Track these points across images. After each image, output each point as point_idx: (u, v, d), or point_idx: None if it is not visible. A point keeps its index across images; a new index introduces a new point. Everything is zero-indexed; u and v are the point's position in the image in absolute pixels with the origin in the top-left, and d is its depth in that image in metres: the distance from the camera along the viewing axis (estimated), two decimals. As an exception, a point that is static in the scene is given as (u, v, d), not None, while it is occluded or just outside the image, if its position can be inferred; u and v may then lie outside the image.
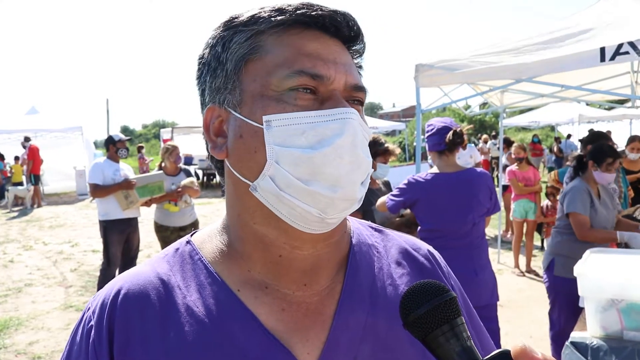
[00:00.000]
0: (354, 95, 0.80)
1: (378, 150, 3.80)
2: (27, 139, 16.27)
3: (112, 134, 6.29)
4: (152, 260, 0.87)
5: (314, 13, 0.77)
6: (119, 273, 6.20)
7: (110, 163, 6.04)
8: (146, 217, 11.81)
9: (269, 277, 0.81)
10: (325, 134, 0.73)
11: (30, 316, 6.08)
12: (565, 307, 3.87)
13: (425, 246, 0.99)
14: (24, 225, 12.53)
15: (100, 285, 6.09)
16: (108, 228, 6.02)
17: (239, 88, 0.78)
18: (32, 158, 15.98)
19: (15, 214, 14.47)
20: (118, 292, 0.80)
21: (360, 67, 0.87)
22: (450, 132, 3.40)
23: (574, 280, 3.47)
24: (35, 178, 15.97)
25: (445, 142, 3.40)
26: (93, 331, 0.78)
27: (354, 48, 0.85)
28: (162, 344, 0.76)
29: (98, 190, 5.87)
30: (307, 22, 0.77)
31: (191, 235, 0.91)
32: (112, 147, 6.10)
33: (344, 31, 0.80)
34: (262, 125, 0.75)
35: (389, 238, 0.97)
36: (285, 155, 0.73)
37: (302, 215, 0.75)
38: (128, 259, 6.29)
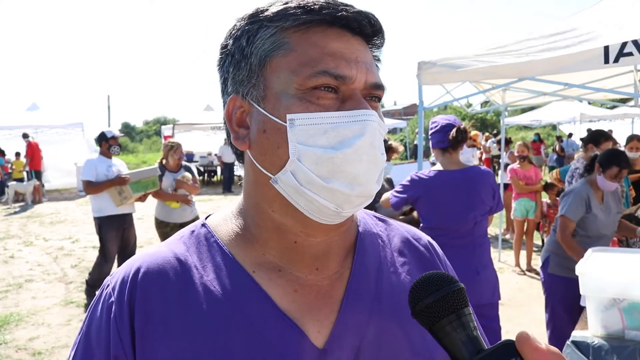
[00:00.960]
0: (373, 93, 0.82)
1: None
2: (25, 136, 16.26)
3: (104, 130, 6.23)
4: (168, 242, 0.91)
5: (339, 14, 0.78)
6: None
7: (103, 159, 6.00)
8: (146, 214, 11.88)
9: (283, 261, 0.86)
10: (346, 135, 0.76)
11: (30, 312, 6.08)
12: (557, 304, 3.89)
13: (425, 237, 1.04)
14: (25, 221, 12.54)
15: (94, 281, 6.06)
16: (103, 224, 6.00)
17: (262, 83, 0.81)
18: (32, 154, 15.99)
19: (16, 209, 14.47)
20: (138, 270, 0.83)
21: (378, 59, 0.89)
22: (454, 130, 3.39)
23: (567, 278, 3.45)
24: (36, 174, 15.97)
25: (448, 140, 3.40)
26: (114, 307, 0.81)
27: (374, 42, 0.87)
28: (181, 320, 0.79)
29: (91, 187, 5.84)
30: (331, 20, 0.79)
31: (206, 218, 0.94)
32: (105, 143, 6.05)
33: (367, 29, 0.82)
34: (286, 123, 0.77)
35: (392, 228, 1.02)
36: (307, 154, 0.77)
37: (320, 209, 0.79)
38: (125, 255, 6.25)
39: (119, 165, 6.17)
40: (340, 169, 0.76)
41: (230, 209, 0.94)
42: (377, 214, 1.04)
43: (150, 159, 31.22)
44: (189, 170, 6.29)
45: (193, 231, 0.91)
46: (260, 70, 0.81)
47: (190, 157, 18.97)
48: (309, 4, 0.79)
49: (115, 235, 6.08)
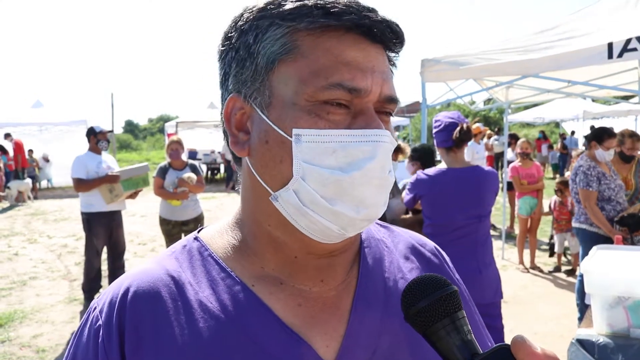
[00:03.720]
0: (386, 107, 0.76)
1: None
2: (7, 135, 16.21)
3: (93, 125, 6.14)
4: (158, 258, 0.85)
5: (363, 22, 0.71)
6: (108, 270, 6.19)
7: (93, 155, 5.91)
8: (151, 211, 11.90)
9: (284, 274, 0.80)
10: (357, 156, 0.71)
11: (34, 309, 6.10)
12: None
13: (430, 242, 0.99)
14: (29, 219, 12.57)
15: (90, 283, 5.98)
16: (92, 220, 5.89)
17: (268, 89, 0.74)
18: (19, 152, 15.98)
19: (20, 206, 14.51)
20: (127, 290, 0.78)
21: (394, 65, 0.82)
22: (457, 129, 3.39)
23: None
24: (26, 171, 15.95)
25: (452, 139, 3.39)
26: (102, 331, 0.76)
27: (395, 50, 0.80)
28: (175, 341, 0.73)
29: (82, 185, 5.74)
30: (351, 26, 0.72)
31: (198, 232, 0.89)
32: (93, 138, 5.95)
33: (388, 38, 0.75)
34: (291, 137, 0.71)
35: (395, 234, 0.97)
36: (312, 173, 0.71)
37: (322, 230, 0.74)
38: (116, 254, 6.19)
39: (109, 161, 6.08)
40: (347, 192, 0.71)
41: (226, 220, 0.88)
42: (379, 220, 0.97)
43: (153, 156, 31.30)
44: (194, 169, 6.17)
45: (185, 245, 0.85)
46: (267, 73, 0.74)
47: (193, 154, 18.98)
48: (328, 5, 0.71)
49: (103, 232, 5.96)
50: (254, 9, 0.77)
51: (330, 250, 0.80)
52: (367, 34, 0.73)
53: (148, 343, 0.74)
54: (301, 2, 0.73)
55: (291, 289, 0.79)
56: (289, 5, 0.73)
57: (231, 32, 0.79)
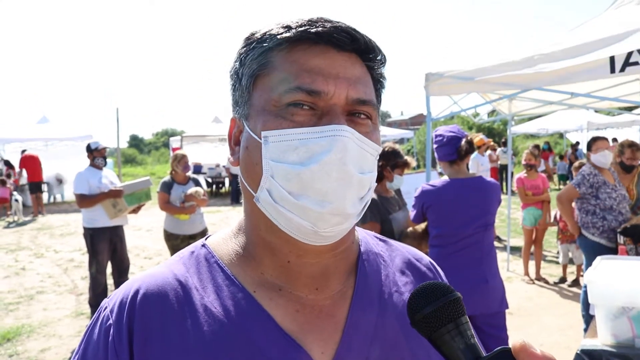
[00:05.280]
0: (357, 109, 0.80)
1: (398, 163, 3.84)
2: (23, 152, 16.30)
3: (90, 142, 6.15)
4: (167, 263, 0.90)
5: (314, 30, 0.79)
6: (115, 285, 6.19)
7: (94, 171, 5.92)
8: (155, 225, 11.94)
9: (281, 280, 0.85)
10: (315, 151, 0.75)
11: (42, 323, 6.13)
12: None
13: (426, 257, 1.04)
14: (35, 233, 12.62)
15: (97, 298, 5.95)
16: (95, 236, 5.89)
17: (248, 102, 0.83)
18: (24, 166, 16.00)
19: (27, 220, 14.58)
20: (137, 292, 0.82)
21: (381, 76, 0.88)
22: (464, 142, 3.45)
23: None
24: (34, 186, 15.86)
25: (456, 152, 3.45)
26: (112, 329, 0.80)
27: (372, 59, 0.85)
28: (182, 342, 0.78)
29: (85, 200, 5.74)
30: (313, 38, 0.79)
31: (206, 239, 0.94)
32: (90, 155, 5.97)
33: (346, 44, 0.80)
34: (261, 139, 0.78)
35: (393, 248, 1.02)
36: (279, 170, 0.77)
37: (298, 228, 0.78)
38: (122, 270, 6.20)
39: (110, 176, 6.10)
40: (308, 185, 0.75)
41: (230, 227, 0.94)
42: (378, 235, 1.04)
43: (158, 170, 31.38)
44: (197, 183, 6.23)
45: (193, 252, 0.91)
46: (248, 89, 0.83)
47: (198, 168, 19.05)
48: (292, 25, 0.80)
49: (107, 247, 5.96)
50: (242, 40, 0.87)
51: (316, 253, 0.84)
52: (332, 43, 0.80)
53: (155, 342, 0.78)
54: (274, 27, 0.82)
55: (289, 295, 0.84)
56: (263, 30, 0.83)
57: (232, 65, 0.89)
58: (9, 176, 16.79)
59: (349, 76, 0.80)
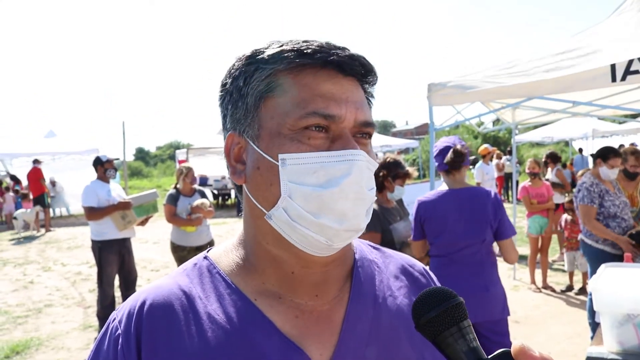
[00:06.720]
0: (363, 130, 0.86)
1: (399, 173, 3.87)
2: (35, 161, 16.18)
3: (99, 155, 6.22)
4: (172, 275, 0.95)
5: (331, 58, 0.82)
6: (122, 298, 6.21)
7: (102, 184, 5.97)
8: (162, 238, 11.98)
9: (282, 289, 0.89)
10: (334, 174, 0.80)
11: (50, 336, 6.16)
12: None
13: (420, 264, 1.08)
14: (43, 247, 12.70)
15: (105, 310, 5.93)
16: (103, 248, 5.92)
17: (257, 123, 0.85)
18: (29, 179, 15.98)
19: (35, 235, 14.66)
20: (143, 303, 0.86)
21: (372, 96, 0.93)
22: (450, 152, 3.49)
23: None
24: (39, 200, 15.68)
25: (445, 162, 3.50)
26: (121, 339, 0.84)
27: (369, 81, 0.91)
28: (188, 348, 0.82)
29: (94, 213, 5.77)
30: (323, 63, 0.83)
31: (207, 252, 0.98)
32: (101, 167, 6.02)
33: (358, 71, 0.86)
34: (278, 162, 0.82)
35: (387, 255, 1.06)
36: (297, 191, 0.81)
37: (312, 243, 0.83)
38: (129, 282, 6.22)
39: (117, 189, 6.15)
40: (328, 205, 0.80)
41: (231, 240, 0.98)
42: (372, 243, 1.08)
43: (164, 183, 31.47)
44: (203, 194, 6.28)
45: (196, 264, 0.95)
46: (256, 110, 0.85)
47: (204, 180, 19.10)
48: (302, 48, 0.83)
49: (115, 259, 6.00)
50: (242, 57, 0.89)
51: (323, 264, 0.88)
52: (339, 68, 0.84)
53: (162, 350, 0.82)
54: (280, 48, 0.85)
55: (289, 303, 0.88)
56: (270, 51, 0.85)
57: (226, 80, 0.91)
58: (16, 192, 16.88)
59: (355, 100, 0.85)
